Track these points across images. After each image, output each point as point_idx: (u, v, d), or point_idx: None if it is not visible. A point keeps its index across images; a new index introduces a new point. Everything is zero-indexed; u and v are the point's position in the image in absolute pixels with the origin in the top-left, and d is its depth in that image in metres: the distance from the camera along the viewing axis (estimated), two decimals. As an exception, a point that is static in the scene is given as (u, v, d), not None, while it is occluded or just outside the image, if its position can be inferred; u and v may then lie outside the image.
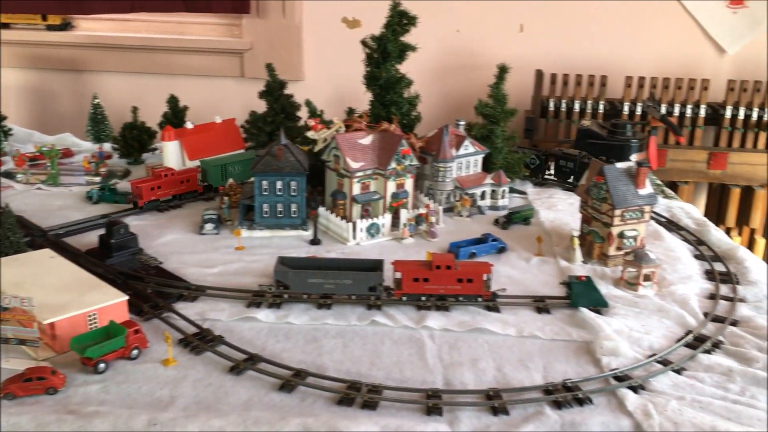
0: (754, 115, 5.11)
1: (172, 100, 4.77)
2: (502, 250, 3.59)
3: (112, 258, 3.34)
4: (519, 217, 3.94)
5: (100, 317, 2.72)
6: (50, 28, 5.87)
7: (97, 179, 4.37)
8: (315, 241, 3.66)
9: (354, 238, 3.67)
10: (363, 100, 4.20)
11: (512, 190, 4.32)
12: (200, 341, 2.73)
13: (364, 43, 4.07)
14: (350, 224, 3.66)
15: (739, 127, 5.16)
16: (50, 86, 5.97)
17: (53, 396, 2.42)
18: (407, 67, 4.16)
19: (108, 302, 2.75)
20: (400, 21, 4.01)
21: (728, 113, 5.14)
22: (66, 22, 5.93)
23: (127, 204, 4.03)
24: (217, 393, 2.47)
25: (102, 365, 2.56)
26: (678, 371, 2.63)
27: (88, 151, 4.85)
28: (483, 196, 4.13)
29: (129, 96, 5.53)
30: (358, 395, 2.44)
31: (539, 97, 5.26)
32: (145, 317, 2.91)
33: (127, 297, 2.80)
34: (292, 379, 2.52)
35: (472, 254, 3.53)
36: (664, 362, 2.66)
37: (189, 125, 4.51)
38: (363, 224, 3.68)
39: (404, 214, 3.76)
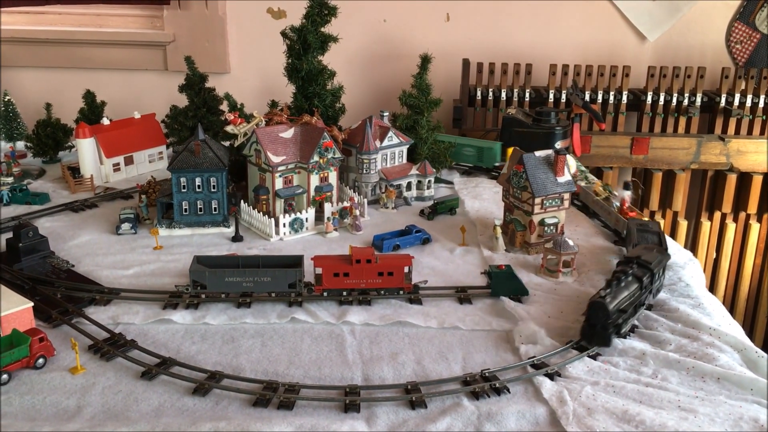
0: (674, 101, 5.23)
1: (88, 96, 4.60)
2: (426, 241, 3.59)
3: (21, 262, 3.20)
4: (444, 207, 3.94)
5: (4, 326, 2.59)
6: (-41, 21, 5.58)
7: (9, 179, 4.19)
8: (237, 238, 3.59)
9: (277, 233, 3.61)
10: (288, 92, 4.13)
11: (438, 180, 4.32)
12: (111, 347, 2.64)
13: (284, 34, 4.00)
14: (273, 219, 3.60)
15: (660, 112, 5.27)
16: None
17: (-50, 411, 2.30)
18: (331, 58, 4.10)
19: (11, 310, 2.62)
20: (320, 11, 3.95)
21: (649, 99, 5.25)
22: (-24, 16, 5.65)
23: (41, 204, 3.87)
24: (126, 400, 2.38)
25: (5, 376, 2.45)
26: (594, 357, 2.66)
27: (0, 150, 4.64)
28: (409, 187, 4.12)
29: (45, 92, 5.32)
30: (274, 396, 2.40)
31: (467, 86, 5.27)
32: (54, 324, 2.80)
33: (32, 304, 2.68)
34: (206, 382, 2.46)
35: (396, 246, 3.51)
36: (581, 348, 2.69)
37: (106, 121, 4.36)
38: (286, 219, 3.62)
39: (328, 208, 3.71)
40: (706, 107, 5.27)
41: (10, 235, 3.32)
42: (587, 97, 5.17)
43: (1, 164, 4.23)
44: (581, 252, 3.40)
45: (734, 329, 2.88)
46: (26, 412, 2.31)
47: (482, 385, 2.46)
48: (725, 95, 5.20)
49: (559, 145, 4.52)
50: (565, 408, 2.36)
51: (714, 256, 5.51)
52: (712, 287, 5.49)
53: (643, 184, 5.39)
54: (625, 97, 5.26)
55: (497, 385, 2.47)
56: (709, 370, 2.55)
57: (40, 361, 2.54)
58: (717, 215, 5.39)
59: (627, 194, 3.58)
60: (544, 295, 3.11)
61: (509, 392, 2.46)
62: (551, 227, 3.46)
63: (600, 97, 5.24)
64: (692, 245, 5.47)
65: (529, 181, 3.36)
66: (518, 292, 3.08)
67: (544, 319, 2.90)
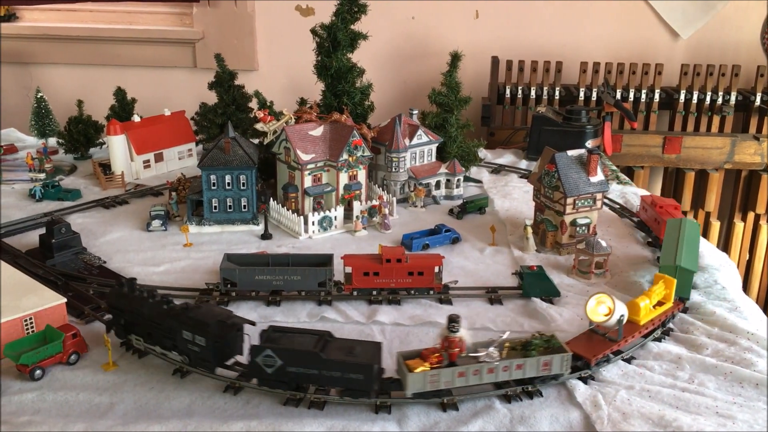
0: (708, 99, 5.13)
1: (119, 93, 4.63)
2: (455, 240, 3.56)
3: (53, 258, 3.23)
4: (474, 207, 3.91)
5: (37, 322, 2.62)
6: (-7, 19, 5.66)
7: (42, 176, 4.23)
8: (266, 236, 3.59)
9: (306, 231, 3.60)
10: (317, 89, 4.12)
11: (467, 179, 4.28)
12: (240, 378, 2.55)
13: (313, 32, 3.99)
14: (302, 217, 3.59)
15: (693, 111, 5.18)
16: (-6, 80, 5.77)
17: (-14, 406, 2.33)
18: (360, 56, 4.08)
19: (45, 306, 2.65)
20: (350, 9, 3.92)
21: (682, 97, 5.16)
22: (10, 13, 5.72)
23: (73, 201, 3.91)
24: (158, 397, 2.39)
25: (38, 372, 2.47)
26: (628, 360, 2.62)
27: (33, 146, 4.70)
28: (438, 185, 4.09)
29: (76, 89, 5.37)
30: (305, 395, 2.39)
31: (496, 84, 5.22)
32: (86, 320, 2.81)
33: (65, 300, 2.71)
34: (238, 381, 2.45)
35: (425, 246, 3.49)
36: (615, 351, 2.64)
37: (136, 118, 4.38)
38: (315, 217, 3.61)
39: (357, 206, 3.70)
40: (741, 106, 5.18)
41: (42, 230, 3.35)
42: (618, 96, 5.10)
43: (34, 160, 4.27)
44: (614, 253, 3.35)
45: (772, 334, 2.82)
46: (59, 409, 2.33)
47: (515, 389, 2.43)
48: (760, 94, 5.09)
49: (590, 144, 4.46)
50: (599, 412, 2.32)
51: (747, 257, 5.41)
52: (745, 290, 5.36)
53: (675, 184, 5.31)
54: (657, 96, 5.18)
55: (530, 388, 2.44)
56: (748, 376, 2.50)
57: (73, 357, 2.55)
58: (750, 216, 5.29)
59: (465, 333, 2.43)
60: (576, 296, 3.06)
61: (542, 395, 2.43)
62: (583, 228, 3.41)
63: (631, 95, 5.17)
64: (725, 246, 5.37)
65: (561, 181, 3.32)
66: (550, 293, 3.04)
67: (576, 321, 2.86)
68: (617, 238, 3.59)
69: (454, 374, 2.32)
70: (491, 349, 2.39)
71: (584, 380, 2.49)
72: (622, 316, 2.57)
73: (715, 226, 5.28)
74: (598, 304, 2.58)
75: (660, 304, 2.78)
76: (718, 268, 3.29)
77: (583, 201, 3.37)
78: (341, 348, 2.36)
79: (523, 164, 4.64)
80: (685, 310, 2.94)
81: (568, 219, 3.38)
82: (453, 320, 2.30)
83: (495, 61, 5.21)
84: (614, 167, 4.65)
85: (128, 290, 2.59)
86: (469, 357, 2.37)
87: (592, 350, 2.54)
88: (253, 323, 2.50)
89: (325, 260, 3.05)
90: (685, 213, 5.26)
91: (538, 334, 2.50)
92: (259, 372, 2.38)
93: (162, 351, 2.54)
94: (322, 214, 3.63)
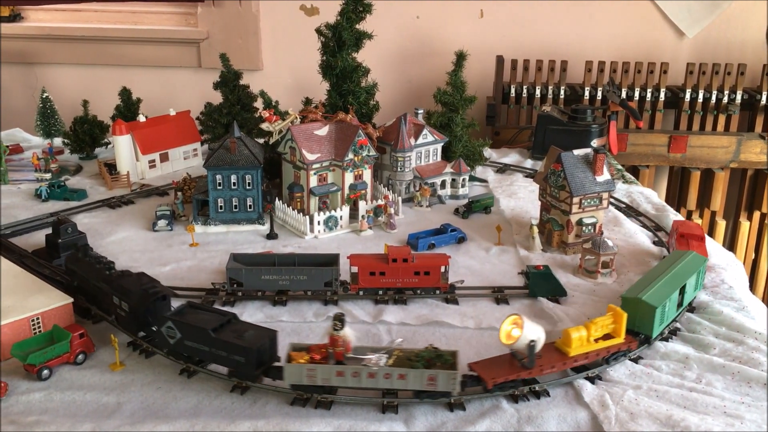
0: (713, 98, 5.12)
1: (125, 93, 4.63)
2: (461, 240, 3.55)
3: (60, 258, 3.23)
4: (479, 206, 3.90)
5: (44, 321, 2.62)
6: (-2, 19, 5.67)
7: (47, 176, 4.24)
8: (272, 236, 3.59)
9: (311, 231, 3.60)
10: (322, 89, 4.12)
11: (473, 179, 4.28)
12: (150, 344, 2.65)
13: (318, 31, 3.99)
14: (307, 217, 3.59)
15: (698, 110, 5.17)
16: (-1, 80, 5.78)
17: (-6, 406, 2.33)
18: (365, 55, 4.08)
19: (52, 306, 2.65)
20: (355, 8, 3.92)
21: (688, 96, 5.15)
22: (15, 14, 5.73)
23: (78, 201, 3.91)
24: (165, 397, 2.39)
25: (45, 372, 2.47)
26: (635, 360, 2.61)
27: (38, 147, 4.70)
28: (443, 185, 4.09)
29: (81, 89, 5.38)
30: (311, 395, 2.39)
31: (500, 84, 5.22)
32: (94, 320, 2.82)
33: (72, 300, 2.71)
34: (244, 381, 2.45)
35: (431, 245, 3.49)
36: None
37: (142, 118, 4.38)
38: (321, 217, 3.61)
39: (363, 206, 3.70)
40: (747, 105, 5.16)
41: (49, 230, 3.36)
42: (624, 95, 5.09)
43: (40, 161, 4.28)
44: (620, 252, 3.34)
45: (780, 333, 2.81)
46: (67, 408, 2.33)
47: (522, 388, 2.43)
48: (766, 92, 5.07)
49: (595, 143, 4.46)
50: (607, 412, 2.31)
51: (753, 256, 5.39)
52: (750, 289, 5.36)
53: (681, 183, 5.30)
54: (662, 95, 5.17)
55: (537, 388, 2.44)
56: (755, 376, 2.49)
57: (80, 357, 2.56)
58: (756, 215, 5.27)
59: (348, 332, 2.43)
60: (582, 296, 3.06)
61: (549, 396, 2.42)
62: (589, 227, 3.40)
63: (637, 94, 5.16)
64: (730, 245, 5.35)
65: (568, 180, 3.31)
66: (556, 293, 3.03)
67: (582, 320, 2.84)
68: (624, 237, 3.58)
69: (332, 372, 2.33)
70: (379, 354, 2.36)
71: (591, 380, 2.49)
72: (533, 342, 2.35)
73: (721, 225, 5.27)
74: (513, 325, 2.37)
75: (609, 337, 2.53)
76: (725, 267, 3.28)
77: (589, 200, 3.36)
78: (235, 330, 2.44)
79: (529, 163, 4.64)
80: (692, 310, 2.94)
81: (574, 218, 3.38)
82: (337, 318, 2.32)
83: (500, 60, 5.21)
84: (620, 166, 4.64)
85: (81, 256, 2.88)
86: (355, 358, 2.35)
87: (495, 373, 2.36)
88: (175, 294, 2.67)
89: (331, 260, 3.05)
90: (690, 212, 5.26)
91: (432, 347, 2.42)
92: (164, 341, 2.53)
93: (101, 312, 2.76)
94: (327, 213, 3.63)
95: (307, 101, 4.22)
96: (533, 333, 2.35)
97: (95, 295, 2.79)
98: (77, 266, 2.88)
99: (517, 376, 2.38)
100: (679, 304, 2.83)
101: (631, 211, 3.93)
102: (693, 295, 2.96)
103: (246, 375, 2.42)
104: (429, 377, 2.30)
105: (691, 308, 2.94)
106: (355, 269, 3.01)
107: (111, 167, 4.28)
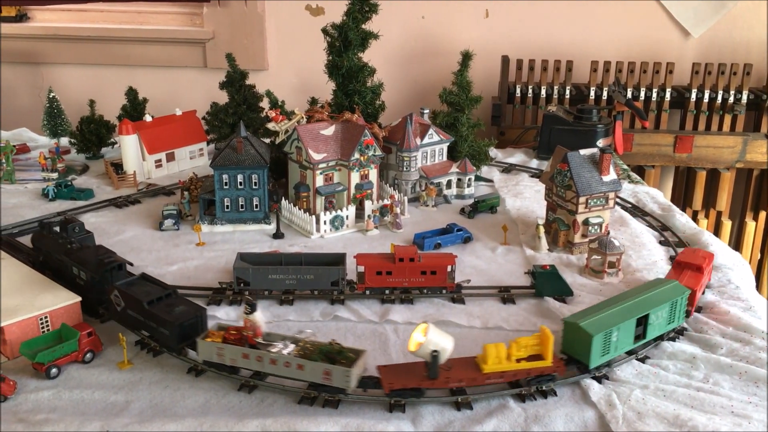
0: (719, 98, 5.11)
1: (131, 93, 4.65)
2: (467, 239, 3.56)
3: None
4: (485, 206, 3.90)
5: (52, 320, 2.63)
6: (4, 19, 5.67)
7: (54, 175, 4.25)
8: (278, 235, 3.60)
9: (318, 230, 3.61)
10: (327, 89, 4.12)
11: (479, 178, 4.28)
12: (158, 342, 2.65)
13: (324, 31, 3.99)
14: (314, 217, 3.60)
15: (704, 110, 5.17)
16: (5, 80, 5.79)
17: (3, 404, 2.34)
18: (371, 55, 4.08)
19: (60, 304, 2.66)
20: (361, 8, 3.92)
21: (693, 96, 5.15)
22: (21, 14, 5.75)
23: (85, 200, 3.93)
24: (173, 396, 2.40)
25: (54, 370, 2.48)
26: (642, 359, 2.61)
27: (45, 146, 4.72)
28: (449, 185, 4.09)
29: (88, 89, 5.39)
30: (319, 394, 2.39)
31: (506, 83, 5.22)
32: (102, 319, 2.83)
33: (80, 298, 2.72)
34: (252, 379, 2.46)
35: (437, 245, 3.49)
36: (629, 351, 2.64)
37: (148, 118, 4.40)
38: (327, 217, 3.62)
39: (369, 206, 3.70)
40: (753, 105, 5.16)
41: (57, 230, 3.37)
42: (629, 95, 5.08)
43: (47, 160, 4.29)
44: (627, 252, 3.34)
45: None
46: (75, 407, 2.34)
47: (529, 388, 2.43)
48: (773, 92, 5.07)
49: (601, 143, 4.45)
50: (614, 412, 2.32)
51: (759, 256, 5.39)
52: (756, 289, 5.35)
53: (687, 183, 5.29)
54: (668, 95, 5.17)
55: (544, 387, 2.44)
56: (763, 375, 2.49)
57: (88, 355, 2.57)
58: (762, 215, 5.27)
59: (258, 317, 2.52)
60: (589, 296, 3.06)
61: (556, 395, 2.43)
62: (596, 227, 3.41)
63: (642, 94, 5.16)
64: (736, 245, 5.35)
65: (574, 180, 3.31)
66: (563, 293, 3.03)
67: (589, 320, 2.85)
68: (630, 237, 3.58)
69: (239, 353, 2.41)
70: (285, 342, 2.44)
71: (598, 380, 2.49)
72: (436, 352, 2.30)
73: (727, 225, 5.26)
74: (420, 333, 2.33)
75: (538, 358, 2.41)
76: (731, 267, 3.28)
77: (595, 200, 3.36)
78: (169, 305, 2.60)
79: (534, 163, 4.64)
80: (698, 310, 2.93)
81: (580, 218, 3.38)
82: (247, 303, 2.46)
83: (505, 60, 5.21)
84: (625, 166, 4.64)
85: (46, 233, 3.14)
86: (263, 344, 2.45)
87: (396, 379, 2.35)
88: (130, 263, 2.93)
89: (338, 259, 3.06)
90: (696, 212, 5.25)
91: (335, 342, 2.43)
92: (113, 309, 2.70)
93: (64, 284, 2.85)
94: (333, 213, 3.63)
95: (313, 101, 4.22)
96: (439, 343, 2.32)
97: (59, 268, 2.96)
98: (42, 243, 3.10)
99: (416, 385, 2.36)
100: (640, 336, 2.60)
101: (637, 211, 3.92)
102: (666, 328, 2.69)
103: (169, 347, 2.56)
104: (325, 371, 2.34)
105: (698, 308, 2.93)
106: (361, 269, 3.01)
107: (117, 167, 4.29)
